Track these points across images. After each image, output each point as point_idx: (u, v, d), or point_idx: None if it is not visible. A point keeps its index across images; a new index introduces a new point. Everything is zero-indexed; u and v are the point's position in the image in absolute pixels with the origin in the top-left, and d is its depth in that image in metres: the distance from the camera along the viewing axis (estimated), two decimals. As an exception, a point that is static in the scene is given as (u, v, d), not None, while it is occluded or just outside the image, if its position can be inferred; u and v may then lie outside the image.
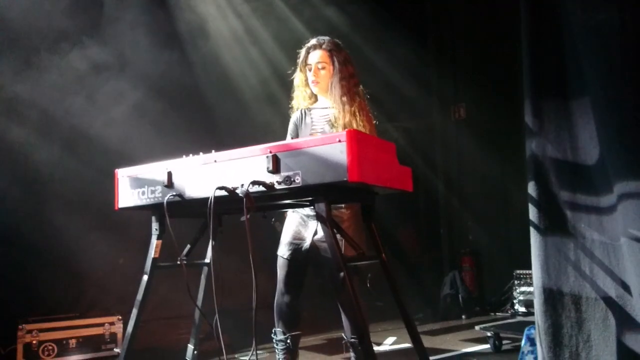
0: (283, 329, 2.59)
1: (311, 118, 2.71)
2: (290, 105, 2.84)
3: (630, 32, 2.14)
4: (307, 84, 2.73)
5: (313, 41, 2.70)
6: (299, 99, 2.78)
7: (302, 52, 2.71)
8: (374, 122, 2.70)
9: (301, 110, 2.76)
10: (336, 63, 2.62)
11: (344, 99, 2.58)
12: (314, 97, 2.77)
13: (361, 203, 2.15)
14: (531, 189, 2.40)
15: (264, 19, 5.62)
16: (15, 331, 3.72)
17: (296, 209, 2.62)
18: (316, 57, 2.65)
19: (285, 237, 2.64)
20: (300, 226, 2.60)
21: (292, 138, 2.73)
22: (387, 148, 1.97)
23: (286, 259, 2.59)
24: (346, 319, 2.56)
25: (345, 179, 1.69)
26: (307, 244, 2.55)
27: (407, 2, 6.94)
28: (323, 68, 2.64)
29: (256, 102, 5.43)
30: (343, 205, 2.56)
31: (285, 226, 2.68)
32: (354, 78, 2.67)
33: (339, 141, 1.71)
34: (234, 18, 5.47)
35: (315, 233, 2.54)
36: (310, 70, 2.67)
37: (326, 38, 2.70)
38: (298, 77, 2.77)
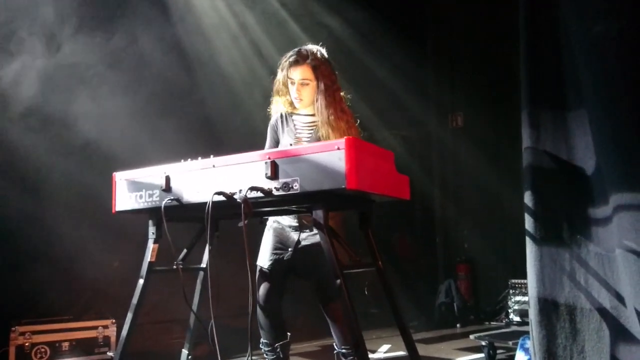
0: (269, 340, 2.56)
1: (294, 124, 2.65)
2: (268, 110, 2.76)
3: (628, 43, 2.16)
4: (288, 93, 2.63)
5: (295, 55, 2.56)
6: (279, 105, 2.69)
7: (285, 63, 2.58)
8: (361, 134, 2.67)
9: (281, 114, 2.68)
10: (320, 78, 2.53)
11: (332, 118, 2.51)
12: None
13: (358, 210, 2.16)
14: (527, 198, 2.41)
15: (264, 24, 5.64)
16: (8, 333, 3.70)
17: (277, 220, 2.59)
18: (299, 73, 2.53)
19: (266, 248, 2.59)
20: (281, 236, 2.57)
21: (272, 144, 2.67)
22: (386, 156, 1.97)
23: (267, 269, 2.55)
24: (334, 329, 2.56)
25: (343, 187, 1.69)
26: (288, 254, 2.52)
27: (405, 11, 6.97)
28: (307, 84, 2.55)
29: (256, 108, 5.43)
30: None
31: (265, 236, 2.63)
32: (338, 91, 2.59)
33: (338, 148, 1.72)
34: (234, 23, 5.49)
35: (299, 242, 2.52)
36: (292, 84, 2.57)
37: (309, 50, 2.57)
38: (279, 85, 2.65)
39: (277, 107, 2.71)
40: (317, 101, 2.55)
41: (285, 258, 2.53)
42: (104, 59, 4.59)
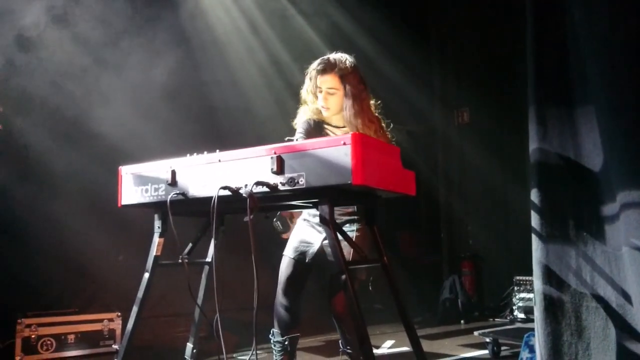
0: (281, 330, 2.59)
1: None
2: (294, 119, 2.72)
3: (635, 39, 2.14)
4: (315, 102, 2.62)
5: (324, 63, 2.55)
6: (307, 114, 2.67)
7: (312, 71, 2.57)
8: (391, 140, 2.66)
9: (314, 121, 2.65)
10: (347, 87, 2.52)
11: (359, 127, 2.51)
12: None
13: (364, 206, 2.15)
14: (534, 195, 2.40)
15: (270, 19, 5.64)
16: (14, 325, 3.72)
17: (308, 219, 2.62)
18: (326, 82, 2.53)
19: (294, 238, 2.64)
20: (310, 230, 2.60)
21: (306, 137, 2.59)
22: (392, 152, 1.97)
23: (292, 258, 2.59)
24: (339, 328, 2.57)
25: (349, 182, 1.69)
26: (314, 247, 2.54)
27: (410, 6, 6.94)
28: (333, 94, 2.54)
29: (262, 103, 5.44)
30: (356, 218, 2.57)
31: (295, 229, 2.68)
32: (366, 100, 2.58)
33: (344, 144, 1.72)
34: (240, 17, 5.49)
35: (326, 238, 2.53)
36: (320, 92, 2.56)
37: (337, 58, 2.56)
38: (307, 94, 2.64)
39: (305, 115, 2.68)
40: (345, 110, 2.55)
41: (310, 251, 2.55)
42: (111, 55, 4.60)
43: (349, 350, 2.54)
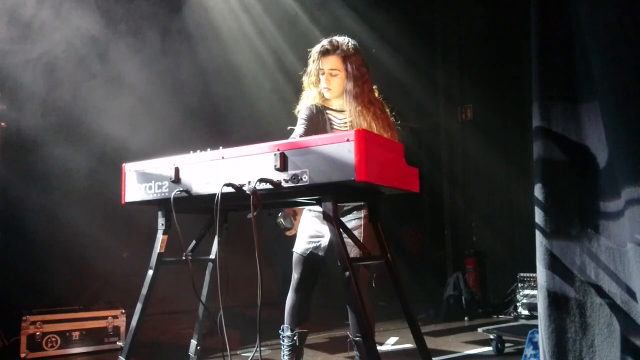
0: (291, 326, 2.59)
1: (330, 123, 2.63)
2: (296, 105, 2.73)
3: (640, 34, 2.13)
4: (318, 85, 2.63)
5: (327, 44, 2.57)
6: (310, 98, 2.68)
7: (315, 53, 2.60)
8: (395, 123, 2.65)
9: (316, 106, 2.65)
10: (349, 69, 2.53)
11: (359, 108, 2.51)
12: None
13: (367, 203, 2.15)
14: (537, 191, 2.39)
15: (272, 15, 5.63)
16: (19, 322, 3.74)
17: (313, 209, 2.61)
18: (329, 63, 2.55)
19: (303, 234, 2.62)
20: (318, 224, 2.59)
21: (310, 127, 2.58)
22: (395, 148, 1.96)
23: (303, 255, 2.58)
24: (350, 316, 2.56)
25: (352, 179, 1.69)
26: (326, 239, 2.54)
27: (415, 1, 6.92)
28: (336, 75, 2.55)
29: (264, 99, 5.44)
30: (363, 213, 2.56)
31: (302, 223, 2.67)
32: (367, 83, 2.58)
33: (347, 140, 1.71)
34: (244, 15, 5.48)
35: None
36: (323, 74, 2.58)
37: (340, 41, 2.58)
38: (309, 77, 2.66)
39: (308, 100, 2.68)
40: (345, 93, 2.55)
41: (322, 245, 2.55)
42: (115, 52, 4.60)
43: (357, 338, 2.53)
